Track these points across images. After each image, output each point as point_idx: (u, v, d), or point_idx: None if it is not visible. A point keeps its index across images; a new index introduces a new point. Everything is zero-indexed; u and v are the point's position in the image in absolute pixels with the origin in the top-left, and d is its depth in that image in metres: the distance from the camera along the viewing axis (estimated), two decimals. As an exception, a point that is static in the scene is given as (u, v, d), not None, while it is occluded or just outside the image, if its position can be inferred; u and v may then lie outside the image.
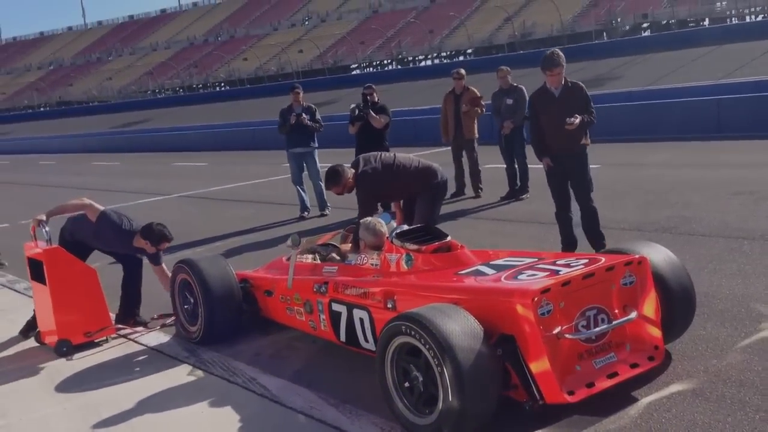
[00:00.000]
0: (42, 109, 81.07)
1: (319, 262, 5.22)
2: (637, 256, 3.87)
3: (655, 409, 3.58)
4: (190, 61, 79.15)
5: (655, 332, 3.83)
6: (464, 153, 10.35)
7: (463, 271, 4.16)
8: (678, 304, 4.05)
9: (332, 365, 4.69)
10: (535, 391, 3.46)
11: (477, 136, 10.26)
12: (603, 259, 3.86)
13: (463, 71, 10.26)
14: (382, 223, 4.90)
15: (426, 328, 3.38)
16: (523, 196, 9.76)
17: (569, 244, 6.43)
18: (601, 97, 17.27)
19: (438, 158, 11.39)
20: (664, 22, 55.22)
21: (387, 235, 4.69)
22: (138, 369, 4.96)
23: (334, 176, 5.73)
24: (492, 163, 10.97)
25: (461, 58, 58.47)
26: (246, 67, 71.77)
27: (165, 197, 14.46)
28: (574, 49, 38.51)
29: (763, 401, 3.52)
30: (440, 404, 3.38)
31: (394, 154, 6.10)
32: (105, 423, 4.11)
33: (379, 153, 6.10)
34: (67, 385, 4.77)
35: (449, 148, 10.64)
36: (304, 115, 10.09)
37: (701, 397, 3.64)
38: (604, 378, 3.61)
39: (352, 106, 9.82)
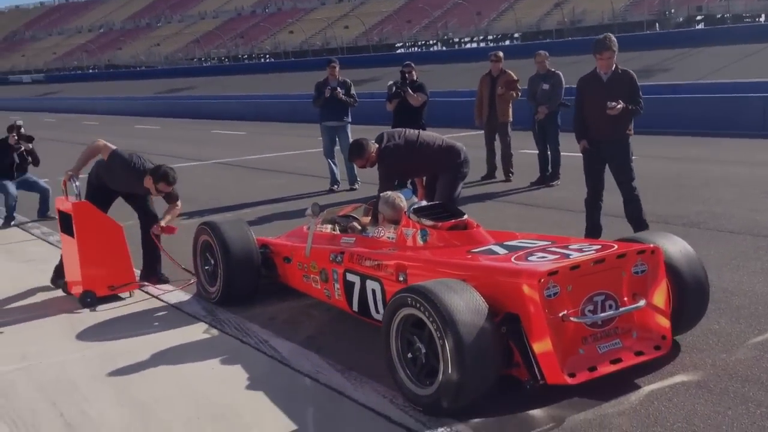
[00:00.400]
0: (91, 70, 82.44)
1: (338, 232, 5.29)
2: (651, 246, 3.86)
3: (656, 397, 3.59)
4: (236, 32, 79.54)
5: (664, 322, 3.83)
6: (497, 136, 10.30)
7: (475, 250, 4.19)
8: (691, 297, 4.03)
9: (343, 333, 4.77)
10: (537, 371, 3.49)
11: (511, 119, 10.19)
12: (616, 246, 3.86)
13: (501, 54, 10.18)
14: (402, 198, 4.95)
15: (431, 301, 3.43)
16: (554, 182, 9.70)
17: (594, 231, 6.40)
18: (647, 89, 16.95)
19: (472, 141, 11.36)
20: (719, 15, 53.82)
21: (405, 210, 4.73)
22: (157, 324, 5.11)
23: (358, 149, 5.79)
24: (525, 148, 10.90)
25: (508, 42, 57.82)
26: (291, 40, 71.88)
27: (201, 163, 14.67)
28: (625, 39, 37.49)
29: (766, 397, 3.51)
30: (440, 376, 3.44)
31: (419, 132, 6.13)
32: (120, 371, 4.25)
33: (404, 129, 6.13)
34: (88, 334, 4.94)
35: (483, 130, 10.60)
36: (339, 89, 10.14)
37: (704, 389, 3.64)
38: (607, 363, 3.62)
39: (390, 83, 9.86)
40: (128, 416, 3.68)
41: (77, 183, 5.65)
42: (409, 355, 3.67)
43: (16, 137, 8.88)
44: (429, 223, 4.46)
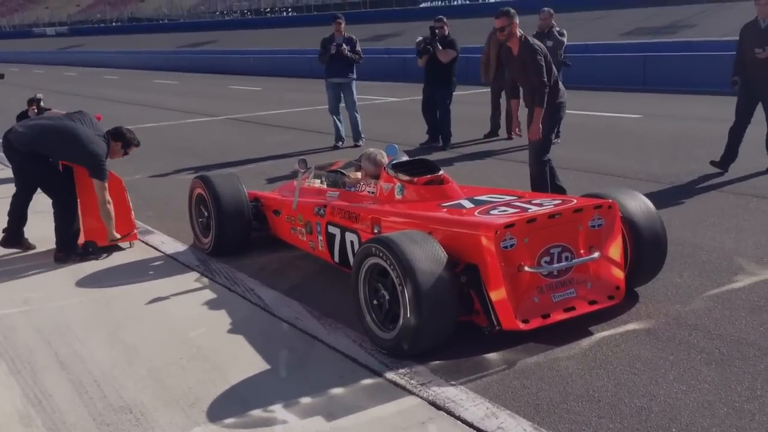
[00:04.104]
0: (114, 23, 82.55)
1: (325, 187, 5.50)
2: (608, 201, 4.04)
3: (606, 343, 3.81)
4: (259, -16, 78.88)
5: (618, 273, 4.02)
6: (503, 94, 10.37)
7: (446, 204, 4.39)
8: (647, 250, 4.21)
9: (324, 283, 5.03)
10: (493, 318, 3.73)
11: (516, 77, 10.22)
12: (575, 201, 4.05)
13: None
14: (384, 155, 5.13)
15: (393, 251, 3.66)
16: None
17: (729, 157, 7.30)
18: (666, 46, 16.78)
19: (476, 98, 11.42)
20: (751, -31, 52.31)
21: (385, 166, 4.93)
22: (152, 272, 5.39)
23: (507, 13, 6.17)
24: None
25: (533, -5, 56.73)
26: (314, -7, 71.20)
27: (212, 118, 14.91)
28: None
29: (708, 344, 3.72)
30: (401, 321, 3.68)
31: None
32: (113, 315, 4.54)
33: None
34: (87, 281, 5.24)
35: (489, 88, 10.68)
36: (344, 45, 10.25)
37: (652, 336, 3.85)
38: (560, 311, 3.84)
39: (419, 38, 9.93)
40: (116, 356, 3.97)
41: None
42: (375, 301, 3.92)
43: (35, 110, 9.13)
44: (405, 178, 4.67)
